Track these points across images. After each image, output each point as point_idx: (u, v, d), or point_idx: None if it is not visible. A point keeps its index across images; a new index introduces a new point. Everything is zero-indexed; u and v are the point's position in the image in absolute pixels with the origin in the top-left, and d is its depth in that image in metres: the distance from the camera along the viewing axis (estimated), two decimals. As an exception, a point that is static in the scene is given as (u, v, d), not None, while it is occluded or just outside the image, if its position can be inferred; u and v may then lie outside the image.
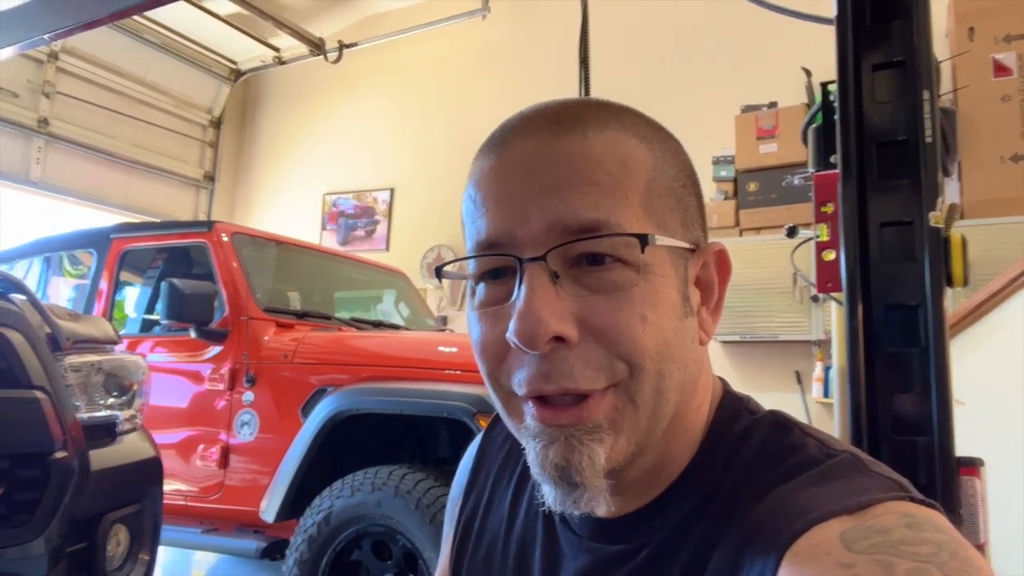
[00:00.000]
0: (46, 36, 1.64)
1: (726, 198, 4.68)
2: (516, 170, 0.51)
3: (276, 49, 7.17)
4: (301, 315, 3.21)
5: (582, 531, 0.58)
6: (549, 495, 0.51)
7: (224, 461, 2.88)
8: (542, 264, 0.49)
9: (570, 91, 0.64)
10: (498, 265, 0.52)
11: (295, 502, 2.61)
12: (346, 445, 2.68)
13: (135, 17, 6.08)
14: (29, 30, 1.54)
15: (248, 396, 2.87)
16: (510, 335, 0.48)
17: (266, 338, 2.94)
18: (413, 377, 2.61)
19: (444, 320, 5.66)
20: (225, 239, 3.17)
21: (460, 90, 6.33)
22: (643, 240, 0.49)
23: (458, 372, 2.56)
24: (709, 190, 4.70)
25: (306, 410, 2.69)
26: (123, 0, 1.54)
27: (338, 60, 6.61)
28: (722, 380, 0.61)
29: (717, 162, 4.74)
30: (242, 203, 7.63)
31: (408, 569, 2.35)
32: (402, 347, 2.98)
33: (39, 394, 1.31)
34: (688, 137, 0.68)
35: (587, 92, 2.31)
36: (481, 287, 0.53)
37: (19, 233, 4.10)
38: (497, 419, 0.74)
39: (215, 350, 2.98)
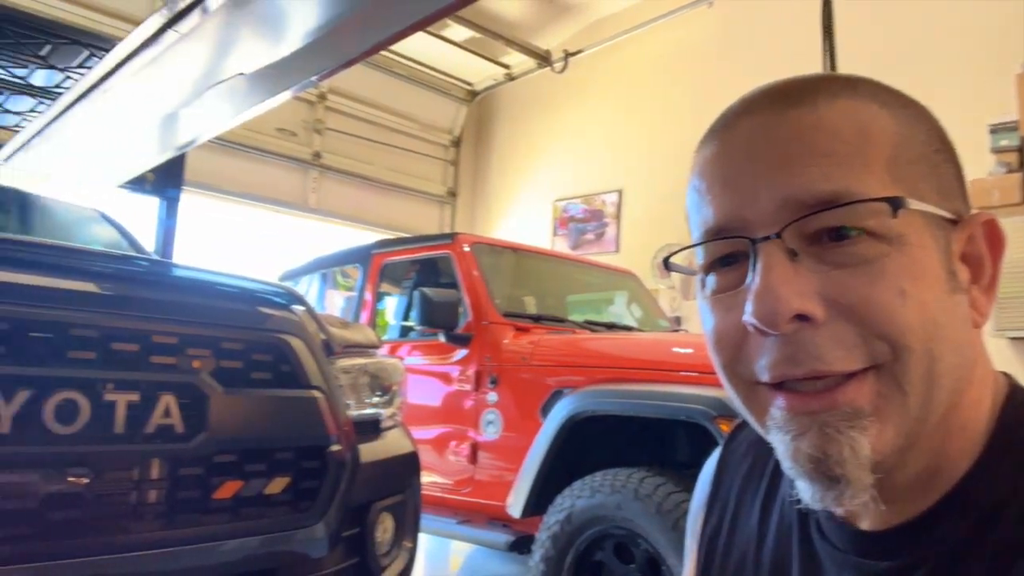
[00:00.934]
0: (313, 78, 1.87)
1: (1009, 171, 4.00)
2: (741, 151, 0.48)
3: (506, 66, 7.55)
4: (537, 319, 3.31)
5: (845, 545, 0.52)
6: (805, 492, 0.46)
7: (473, 457, 3.06)
8: (777, 242, 0.45)
9: (811, 71, 0.58)
10: (728, 251, 0.49)
11: (538, 499, 2.69)
12: (585, 445, 2.71)
13: (384, 53, 6.75)
14: (300, 74, 1.78)
15: (492, 396, 3.02)
16: (747, 317, 0.45)
17: (505, 341, 3.07)
18: (648, 379, 2.56)
19: (678, 320, 5.51)
20: (466, 249, 3.38)
21: (687, 84, 6.14)
22: (894, 204, 0.43)
23: (695, 374, 2.47)
24: (987, 163, 4.05)
25: (545, 410, 2.77)
26: (373, 36, 1.70)
27: (564, 69, 6.77)
28: (1007, 375, 0.52)
29: (996, 130, 4.06)
30: (481, 214, 8.11)
31: (651, 574, 2.31)
32: (636, 348, 2.95)
33: (317, 394, 1.49)
34: (956, 106, 0.58)
35: (832, 64, 2.10)
36: (711, 278, 0.50)
37: (299, 253, 4.74)
38: (737, 429, 0.70)
39: (461, 353, 3.19)
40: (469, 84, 8.05)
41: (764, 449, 0.63)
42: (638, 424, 2.64)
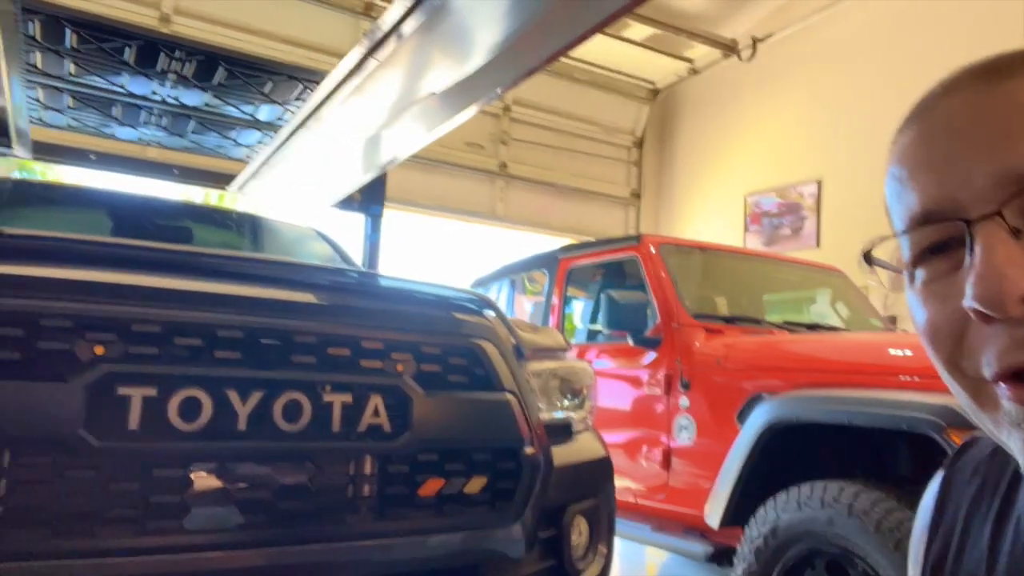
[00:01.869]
0: (498, 90, 1.94)
1: None
2: (946, 131, 0.44)
3: (689, 60, 7.34)
4: (730, 320, 3.17)
5: None
6: None
7: (666, 463, 2.98)
8: (997, 220, 0.41)
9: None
10: (938, 238, 0.45)
11: (737, 510, 2.56)
12: (787, 454, 2.54)
13: (563, 59, 6.85)
14: (486, 87, 1.85)
15: (684, 401, 2.93)
16: (968, 301, 0.41)
17: (697, 344, 2.97)
18: (859, 383, 2.35)
19: (893, 320, 5.01)
20: (653, 250, 3.31)
21: (890, 62, 5.57)
22: None
23: (915, 379, 2.22)
24: None
25: (742, 416, 2.63)
26: (553, 44, 1.73)
27: (751, 57, 6.45)
28: None
29: None
30: (666, 215, 7.94)
31: (870, 598, 2.11)
32: (844, 350, 2.72)
33: (509, 396, 1.52)
34: None
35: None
36: (920, 271, 0.47)
37: (489, 261, 4.95)
38: (965, 448, 0.65)
39: (650, 356, 3.13)
40: (651, 83, 7.93)
41: (996, 467, 0.59)
42: (848, 434, 2.43)
